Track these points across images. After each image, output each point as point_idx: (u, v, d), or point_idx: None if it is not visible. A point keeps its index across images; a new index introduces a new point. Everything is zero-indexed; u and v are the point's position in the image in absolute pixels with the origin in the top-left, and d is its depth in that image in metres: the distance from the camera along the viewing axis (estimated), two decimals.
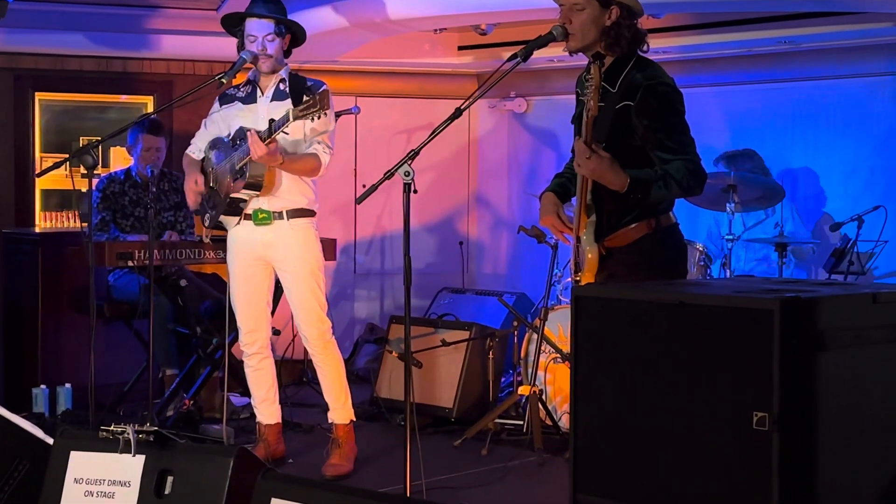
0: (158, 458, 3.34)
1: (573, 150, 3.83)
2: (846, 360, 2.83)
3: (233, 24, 5.12)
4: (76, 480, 3.43)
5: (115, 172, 6.59)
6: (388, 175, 3.99)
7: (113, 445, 3.38)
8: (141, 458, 3.37)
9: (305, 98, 4.72)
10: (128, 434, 3.37)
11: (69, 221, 7.38)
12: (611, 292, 3.12)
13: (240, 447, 3.37)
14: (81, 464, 3.45)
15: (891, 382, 2.96)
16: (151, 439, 3.36)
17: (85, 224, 5.17)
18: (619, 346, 3.01)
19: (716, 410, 2.81)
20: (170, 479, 3.33)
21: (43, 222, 7.53)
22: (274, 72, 5.08)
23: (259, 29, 5.01)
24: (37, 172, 7.20)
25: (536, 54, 3.98)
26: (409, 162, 3.96)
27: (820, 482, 2.80)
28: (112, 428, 3.41)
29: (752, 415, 2.70)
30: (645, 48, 3.94)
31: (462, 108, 3.97)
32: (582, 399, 3.06)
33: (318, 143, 5.03)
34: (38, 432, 3.75)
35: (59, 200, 7.53)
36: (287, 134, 4.89)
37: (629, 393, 2.98)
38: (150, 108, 7.49)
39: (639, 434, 2.96)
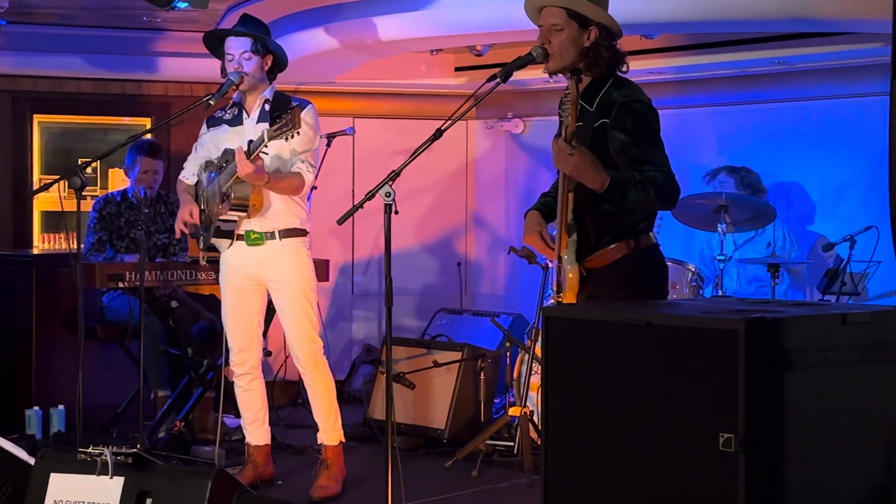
0: (137, 480, 3.35)
1: (553, 157, 3.76)
2: (814, 380, 2.81)
3: (216, 47, 5.16)
4: (56, 503, 3.44)
5: (112, 193, 6.62)
6: (370, 196, 4.00)
7: (92, 467, 3.38)
8: (119, 480, 3.37)
9: (279, 118, 4.74)
10: (105, 456, 3.37)
11: (66, 243, 7.39)
12: (580, 313, 3.12)
13: (217, 468, 3.37)
14: (61, 486, 3.45)
15: (860, 403, 2.95)
16: (130, 461, 3.36)
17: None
18: (589, 366, 3.00)
19: (684, 431, 2.80)
20: (149, 500, 3.33)
21: (42, 244, 7.56)
22: (253, 90, 5.10)
23: (236, 47, 5.04)
24: (30, 192, 7.24)
25: (533, 75, 3.98)
26: (390, 183, 3.98)
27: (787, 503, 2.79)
28: (90, 450, 3.41)
29: (719, 436, 2.70)
30: (624, 69, 3.95)
31: (443, 128, 4.00)
32: (552, 420, 3.06)
33: (302, 161, 5.05)
34: (21, 454, 3.75)
35: (58, 222, 7.56)
36: (266, 154, 4.90)
37: (599, 414, 2.97)
38: None
39: (609, 455, 2.95)
